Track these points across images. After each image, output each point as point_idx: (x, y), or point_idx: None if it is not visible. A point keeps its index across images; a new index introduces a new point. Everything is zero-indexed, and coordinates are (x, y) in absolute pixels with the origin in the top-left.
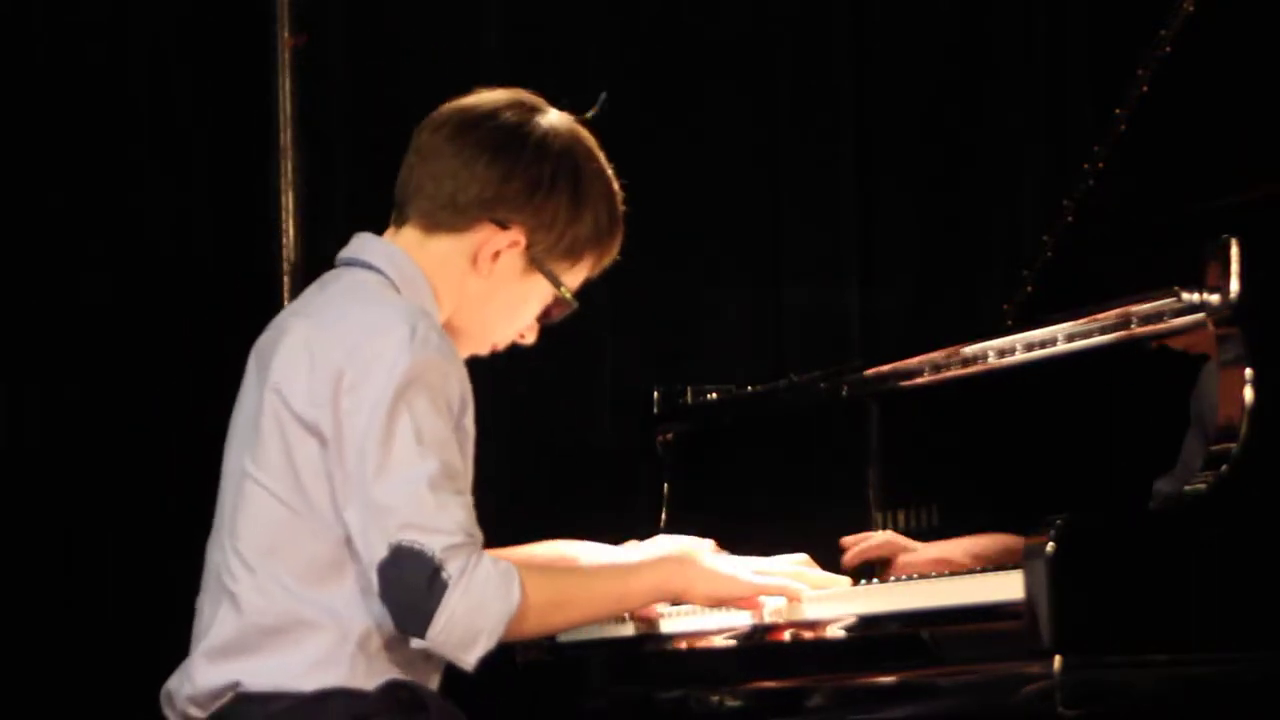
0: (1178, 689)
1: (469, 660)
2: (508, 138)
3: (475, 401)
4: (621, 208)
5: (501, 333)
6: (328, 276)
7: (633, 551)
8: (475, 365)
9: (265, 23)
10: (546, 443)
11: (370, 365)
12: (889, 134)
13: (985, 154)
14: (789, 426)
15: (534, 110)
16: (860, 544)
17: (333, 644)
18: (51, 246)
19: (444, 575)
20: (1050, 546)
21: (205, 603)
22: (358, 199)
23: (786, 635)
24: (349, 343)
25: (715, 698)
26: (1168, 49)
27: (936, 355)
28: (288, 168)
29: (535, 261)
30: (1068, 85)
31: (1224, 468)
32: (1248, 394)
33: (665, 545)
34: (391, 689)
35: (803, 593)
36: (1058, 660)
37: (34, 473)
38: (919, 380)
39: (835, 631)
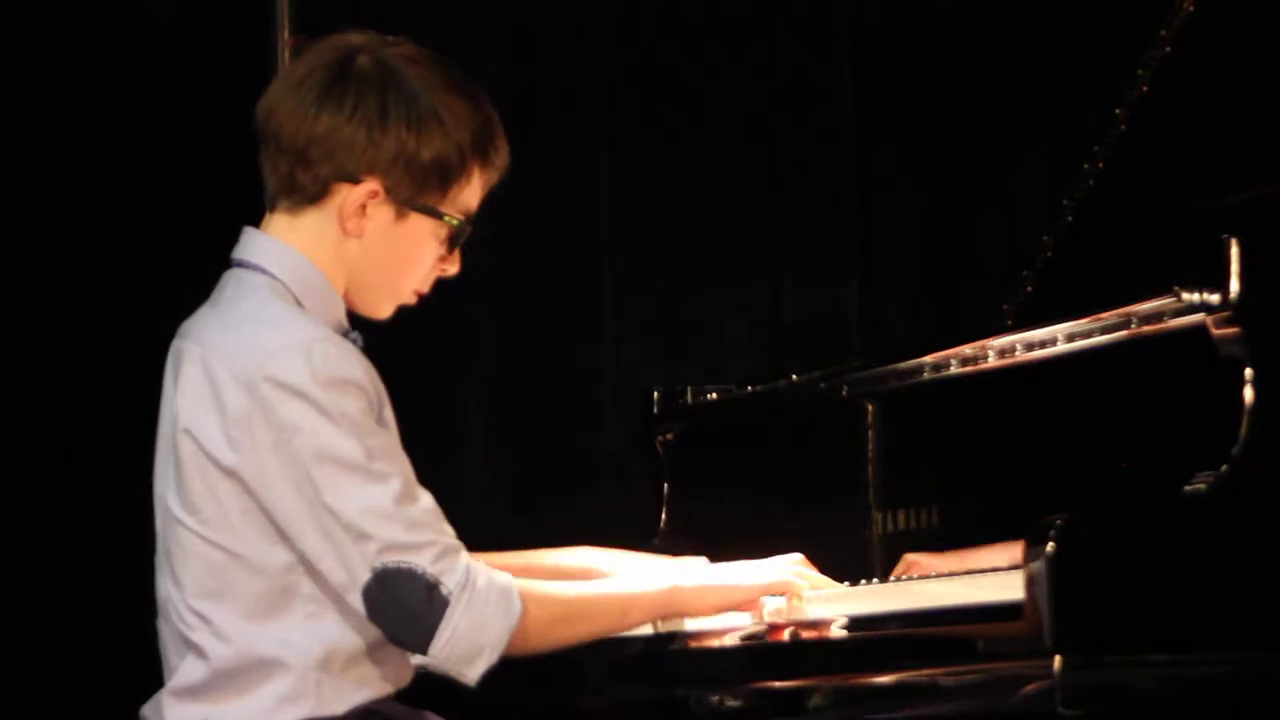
0: (1178, 689)
1: (471, 675)
2: (326, 93)
3: (474, 401)
4: (482, 109)
5: (413, 281)
6: (222, 282)
7: (640, 562)
8: (472, 365)
9: (265, 23)
10: (547, 443)
11: (277, 398)
12: (889, 133)
13: (985, 154)
14: (789, 426)
15: (350, 52)
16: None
17: (297, 677)
18: (51, 245)
19: (443, 590)
20: (1050, 546)
21: (165, 638)
22: None
23: (787, 635)
24: (248, 376)
25: (715, 698)
26: (1168, 49)
27: (936, 355)
28: None
29: (403, 202)
30: (1068, 85)
31: (1224, 468)
32: (1248, 394)
33: (663, 565)
34: (363, 716)
35: (803, 590)
36: (1058, 660)
37: (33, 472)
38: (919, 380)
39: (836, 632)
